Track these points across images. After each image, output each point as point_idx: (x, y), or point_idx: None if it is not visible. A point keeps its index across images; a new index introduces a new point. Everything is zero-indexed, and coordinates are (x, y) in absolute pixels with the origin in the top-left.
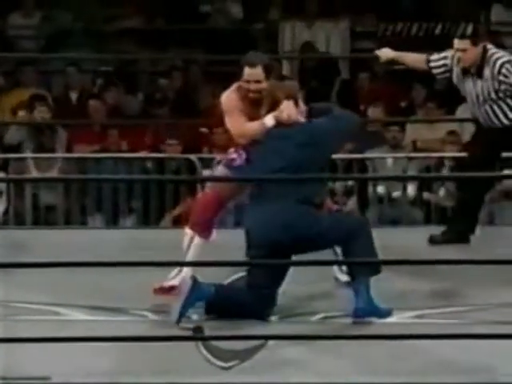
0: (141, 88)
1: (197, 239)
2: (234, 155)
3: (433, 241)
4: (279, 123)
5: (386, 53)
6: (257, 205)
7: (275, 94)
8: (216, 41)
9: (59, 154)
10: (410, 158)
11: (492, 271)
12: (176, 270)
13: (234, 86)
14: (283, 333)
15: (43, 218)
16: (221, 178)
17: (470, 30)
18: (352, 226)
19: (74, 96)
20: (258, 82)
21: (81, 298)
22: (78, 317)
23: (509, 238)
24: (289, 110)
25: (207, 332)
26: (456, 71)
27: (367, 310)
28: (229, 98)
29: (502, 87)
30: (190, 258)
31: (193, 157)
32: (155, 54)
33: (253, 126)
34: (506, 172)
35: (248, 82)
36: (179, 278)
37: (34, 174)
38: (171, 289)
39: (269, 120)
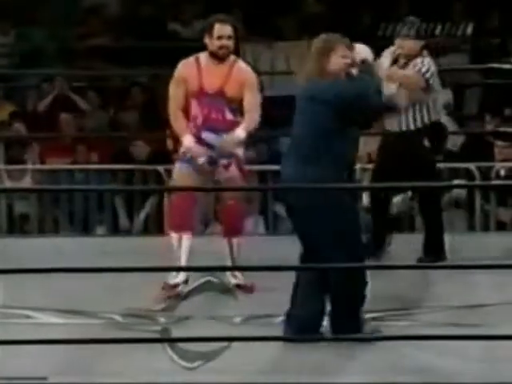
0: (111, 103)
1: (185, 241)
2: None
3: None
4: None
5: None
6: (288, 161)
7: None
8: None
9: (31, 166)
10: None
11: (443, 276)
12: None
13: (193, 56)
14: (247, 334)
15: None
16: (180, 187)
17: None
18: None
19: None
20: (229, 37)
21: (52, 302)
22: (49, 320)
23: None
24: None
25: (174, 334)
26: (389, 59)
27: None
28: (183, 65)
29: None
30: (184, 260)
31: (160, 168)
32: (123, 70)
33: (181, 132)
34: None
35: (220, 38)
36: None
37: (8, 185)
38: None
39: (188, 140)
